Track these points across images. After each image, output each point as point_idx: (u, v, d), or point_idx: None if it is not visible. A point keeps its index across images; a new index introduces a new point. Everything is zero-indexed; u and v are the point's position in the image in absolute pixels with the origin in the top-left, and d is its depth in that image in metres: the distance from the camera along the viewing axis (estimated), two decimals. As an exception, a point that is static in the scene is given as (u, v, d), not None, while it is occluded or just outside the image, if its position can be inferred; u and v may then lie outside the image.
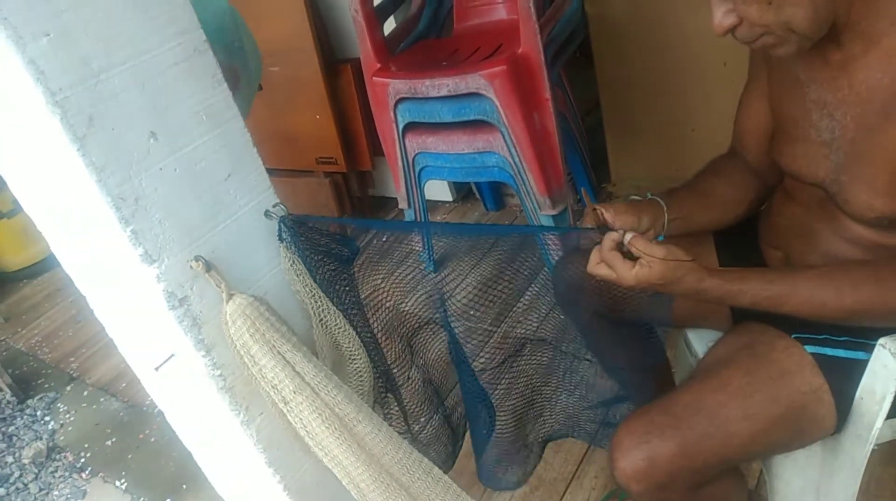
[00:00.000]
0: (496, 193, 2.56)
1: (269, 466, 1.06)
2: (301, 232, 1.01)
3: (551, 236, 1.98)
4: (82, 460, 1.99)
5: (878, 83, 0.83)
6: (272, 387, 0.93)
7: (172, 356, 0.99)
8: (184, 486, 1.77)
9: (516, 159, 1.86)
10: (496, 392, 1.26)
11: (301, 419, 0.92)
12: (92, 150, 0.78)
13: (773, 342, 0.96)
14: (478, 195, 2.61)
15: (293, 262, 1.01)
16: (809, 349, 0.93)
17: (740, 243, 1.14)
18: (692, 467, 0.92)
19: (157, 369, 0.99)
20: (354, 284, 1.08)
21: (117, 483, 1.87)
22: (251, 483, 1.13)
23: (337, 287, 1.06)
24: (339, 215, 2.64)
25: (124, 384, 2.24)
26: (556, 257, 2.04)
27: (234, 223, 0.95)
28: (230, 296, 0.91)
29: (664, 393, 1.06)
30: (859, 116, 0.86)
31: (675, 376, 1.31)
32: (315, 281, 1.02)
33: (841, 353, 0.93)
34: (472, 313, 1.56)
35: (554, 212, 1.90)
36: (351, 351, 1.05)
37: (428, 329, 1.24)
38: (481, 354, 1.31)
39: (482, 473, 1.35)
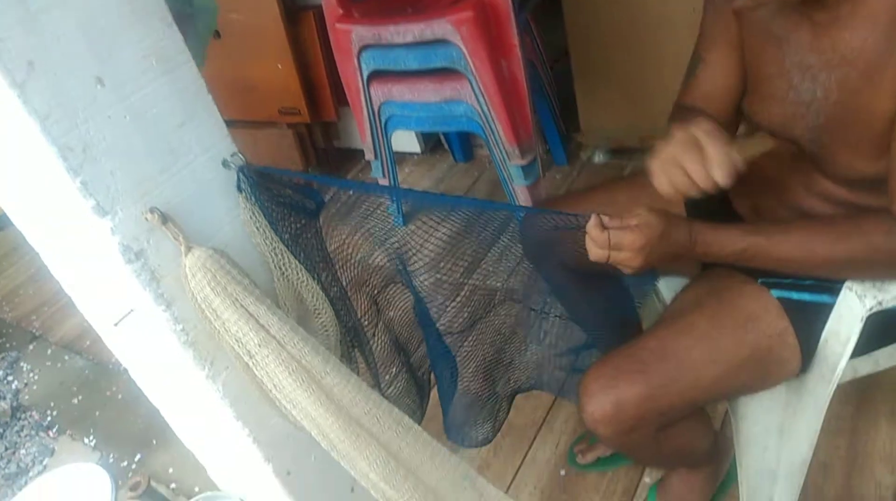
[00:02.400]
0: (465, 143, 2.53)
1: (237, 420, 1.05)
2: (261, 183, 0.98)
3: (521, 188, 1.97)
4: (48, 418, 1.96)
5: (862, 44, 0.80)
6: (236, 341, 0.91)
7: (132, 311, 0.96)
8: (153, 441, 1.76)
9: (484, 108, 1.83)
10: (462, 351, 1.25)
11: (267, 372, 0.91)
12: (33, 96, 0.73)
13: (738, 287, 0.96)
14: (446, 146, 2.58)
15: (253, 213, 0.98)
16: (775, 293, 0.94)
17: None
18: (658, 409, 0.93)
19: (116, 325, 0.97)
20: (320, 237, 1.06)
21: (86, 441, 1.85)
22: (220, 438, 1.12)
23: (300, 241, 1.03)
24: (303, 168, 2.59)
25: (88, 342, 2.20)
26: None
27: (190, 173, 0.92)
28: (189, 249, 0.89)
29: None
30: (843, 78, 0.84)
31: (644, 323, 1.31)
32: (276, 234, 0.99)
33: (806, 296, 0.94)
34: (441, 264, 1.55)
35: (523, 162, 1.88)
36: (315, 306, 1.03)
37: (394, 287, 1.22)
38: (446, 313, 1.29)
39: (449, 431, 1.35)
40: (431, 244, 1.59)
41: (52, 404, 2.01)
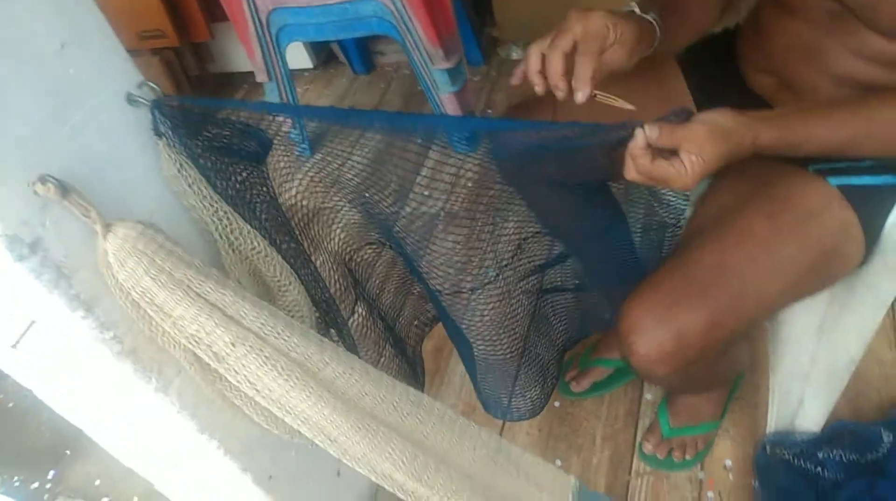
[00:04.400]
0: (364, 52, 2.23)
1: (201, 433, 0.83)
2: (186, 122, 0.71)
3: (448, 97, 1.74)
4: (-78, 446, 1.61)
5: None
6: (195, 342, 0.67)
7: (33, 323, 0.69)
8: (67, 451, 1.46)
9: (398, 4, 1.56)
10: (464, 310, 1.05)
11: (246, 375, 0.68)
12: None
13: (791, 179, 0.82)
14: (342, 58, 2.28)
15: (181, 166, 0.72)
16: (833, 181, 0.81)
17: (714, 72, 0.97)
18: (723, 336, 0.79)
19: (14, 346, 0.69)
20: (271, 190, 0.81)
21: (-24, 465, 1.52)
22: (180, 455, 0.89)
23: (248, 196, 0.78)
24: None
25: (-48, 344, 1.81)
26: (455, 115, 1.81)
27: (87, 119, 0.64)
28: (107, 228, 0.62)
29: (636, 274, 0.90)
30: None
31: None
32: (216, 190, 0.74)
33: (867, 180, 0.81)
34: (366, 195, 1.33)
35: (449, 64, 1.65)
36: (279, 281, 0.80)
37: (373, 250, 1.00)
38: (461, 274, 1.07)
39: (489, 403, 1.15)
40: (351, 172, 1.36)
41: (-79, 427, 1.64)
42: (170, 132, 0.70)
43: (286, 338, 0.69)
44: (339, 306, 0.93)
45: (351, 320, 0.96)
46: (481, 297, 1.08)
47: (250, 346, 0.67)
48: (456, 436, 0.81)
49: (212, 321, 0.65)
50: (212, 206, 0.74)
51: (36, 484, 1.44)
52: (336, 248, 0.96)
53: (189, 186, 0.72)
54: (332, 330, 0.93)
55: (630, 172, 0.70)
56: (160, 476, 1.09)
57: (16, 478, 1.46)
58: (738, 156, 0.70)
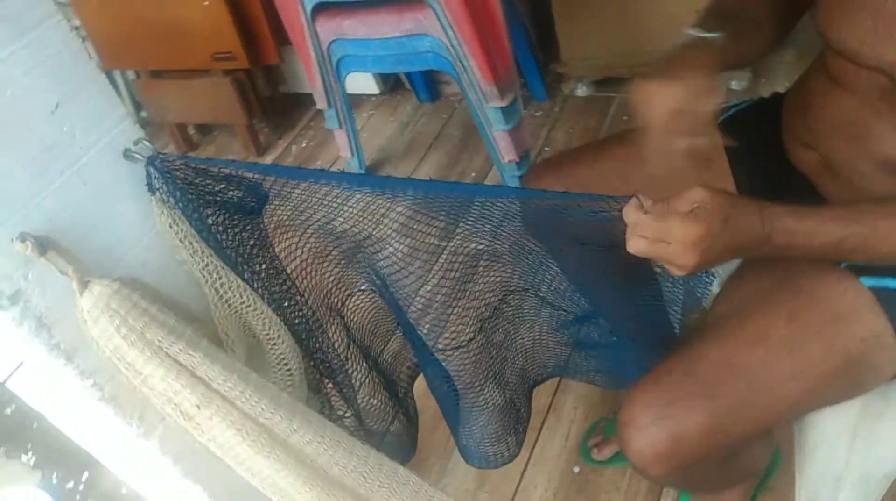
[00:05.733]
0: (429, 81, 2.24)
1: (186, 477, 0.83)
2: (181, 176, 0.72)
3: (502, 134, 1.71)
4: (-22, 433, 1.71)
5: None
6: (166, 400, 0.67)
7: (21, 364, 0.71)
8: (102, 456, 1.52)
9: (454, 42, 1.55)
10: (461, 362, 1.02)
11: (213, 437, 0.68)
12: None
13: (819, 275, 0.75)
14: (408, 85, 2.29)
15: (174, 221, 0.73)
16: (866, 282, 0.73)
17: (756, 141, 0.90)
18: (726, 442, 0.73)
19: (4, 383, 0.72)
20: (266, 243, 0.81)
21: (23, 458, 1.60)
22: (171, 493, 0.90)
23: (241, 250, 0.78)
24: (247, 121, 2.26)
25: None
26: (508, 158, 1.78)
27: (78, 176, 0.66)
28: (84, 285, 0.64)
29: (670, 342, 0.85)
30: None
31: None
32: (208, 245, 0.74)
33: (906, 284, 0.73)
34: (414, 226, 1.32)
35: (503, 103, 1.62)
36: (268, 334, 0.79)
37: (365, 297, 0.98)
38: (446, 330, 1.05)
39: (470, 455, 1.13)
40: (399, 207, 1.34)
41: (-21, 416, 1.75)
42: (163, 188, 0.71)
43: (254, 403, 0.68)
44: (338, 354, 0.92)
45: (347, 366, 0.94)
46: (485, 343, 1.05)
47: (217, 407, 0.67)
48: (432, 511, 0.78)
49: (179, 382, 0.66)
50: (202, 260, 0.75)
51: (70, 484, 1.50)
52: (334, 298, 0.95)
53: (180, 241, 0.73)
54: (327, 381, 0.92)
55: (629, 238, 0.65)
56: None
57: (55, 475, 1.53)
58: (749, 232, 0.65)
